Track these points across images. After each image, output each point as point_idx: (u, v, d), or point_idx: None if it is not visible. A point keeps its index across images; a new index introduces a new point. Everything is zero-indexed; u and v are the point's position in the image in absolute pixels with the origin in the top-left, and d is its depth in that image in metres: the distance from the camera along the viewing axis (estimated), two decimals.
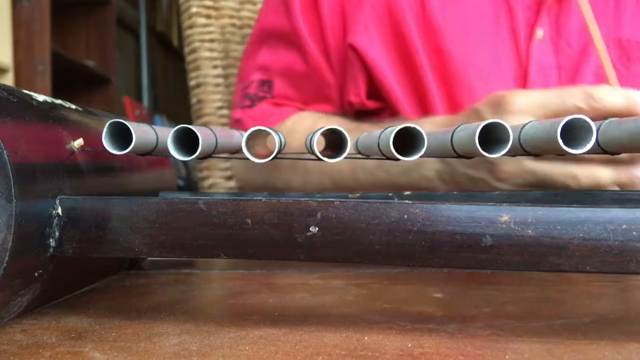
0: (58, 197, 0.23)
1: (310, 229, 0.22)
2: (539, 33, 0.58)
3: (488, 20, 0.59)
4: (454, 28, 0.59)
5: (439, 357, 0.19)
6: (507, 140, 0.23)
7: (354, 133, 0.29)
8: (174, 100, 3.31)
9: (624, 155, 0.42)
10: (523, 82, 0.58)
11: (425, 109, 0.60)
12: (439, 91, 0.59)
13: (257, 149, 0.26)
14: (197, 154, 0.24)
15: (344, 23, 0.62)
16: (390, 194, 0.36)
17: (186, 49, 0.85)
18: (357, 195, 0.37)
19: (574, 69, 0.58)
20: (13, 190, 0.21)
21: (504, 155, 0.23)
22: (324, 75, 0.64)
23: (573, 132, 0.22)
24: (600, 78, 0.57)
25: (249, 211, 0.22)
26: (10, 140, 0.21)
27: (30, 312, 0.25)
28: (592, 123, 0.22)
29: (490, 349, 0.20)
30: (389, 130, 0.26)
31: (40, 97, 0.26)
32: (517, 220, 0.20)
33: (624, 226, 0.20)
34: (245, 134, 0.25)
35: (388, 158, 0.27)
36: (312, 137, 0.29)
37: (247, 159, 0.25)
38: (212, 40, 0.83)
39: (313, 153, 0.28)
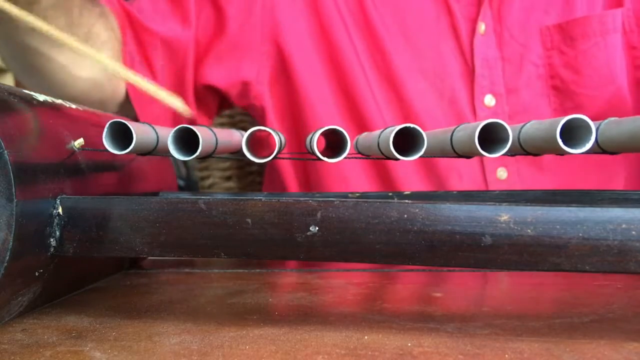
0: (59, 197, 0.23)
1: (310, 228, 0.22)
2: (481, 27, 0.59)
3: (428, 22, 0.61)
4: (395, 34, 0.60)
5: (438, 356, 0.19)
6: (506, 139, 0.23)
7: None
8: None
9: None
10: (470, 78, 0.59)
11: (360, 117, 0.60)
12: (383, 97, 0.60)
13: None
14: (197, 153, 0.24)
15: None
16: (390, 194, 0.36)
17: None
18: (357, 195, 0.37)
19: (518, 59, 0.59)
20: (14, 190, 0.21)
21: (503, 154, 0.23)
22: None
23: (572, 131, 0.22)
24: (545, 67, 0.59)
25: (249, 211, 0.22)
26: (10, 140, 0.22)
27: (31, 311, 0.25)
28: (591, 123, 0.22)
29: (490, 348, 0.20)
30: (389, 130, 0.26)
31: (41, 97, 0.26)
32: (516, 220, 0.20)
33: (623, 226, 0.20)
34: (246, 134, 0.25)
35: (388, 158, 0.27)
36: (312, 137, 0.29)
37: (247, 158, 0.25)
38: None
39: (313, 153, 0.28)
